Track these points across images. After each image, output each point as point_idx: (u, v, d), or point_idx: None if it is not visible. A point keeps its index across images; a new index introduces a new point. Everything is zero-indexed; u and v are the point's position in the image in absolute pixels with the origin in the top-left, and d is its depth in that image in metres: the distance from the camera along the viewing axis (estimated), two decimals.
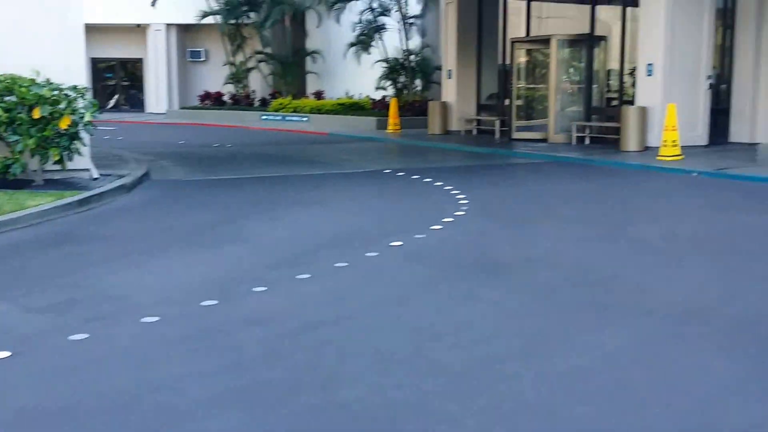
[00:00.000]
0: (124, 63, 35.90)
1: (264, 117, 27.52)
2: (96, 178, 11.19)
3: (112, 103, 35.08)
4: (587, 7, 18.99)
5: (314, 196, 10.93)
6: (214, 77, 32.46)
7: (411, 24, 26.31)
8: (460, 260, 7.00)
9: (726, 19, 17.44)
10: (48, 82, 10.33)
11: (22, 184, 10.36)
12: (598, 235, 8.20)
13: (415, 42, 26.62)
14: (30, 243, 7.87)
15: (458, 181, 12.02)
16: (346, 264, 6.72)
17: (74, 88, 10.61)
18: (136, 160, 14.08)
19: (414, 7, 26.50)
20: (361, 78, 27.71)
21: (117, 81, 36.35)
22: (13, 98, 10.03)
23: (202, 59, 34.46)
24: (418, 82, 26.66)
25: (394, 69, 26.64)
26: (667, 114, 14.59)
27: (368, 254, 7.12)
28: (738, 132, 17.32)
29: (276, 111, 27.63)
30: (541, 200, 10.68)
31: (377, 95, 26.74)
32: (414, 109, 24.44)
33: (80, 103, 10.60)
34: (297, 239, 8.01)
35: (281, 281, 6.21)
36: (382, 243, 7.55)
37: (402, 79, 26.70)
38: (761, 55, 16.99)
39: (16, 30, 10.73)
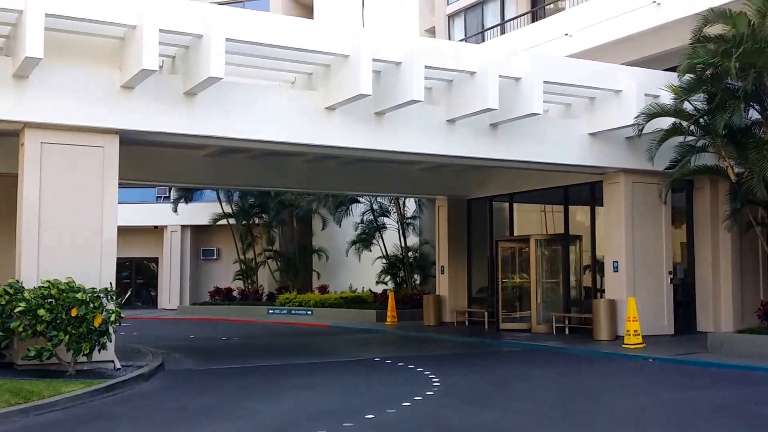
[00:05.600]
0: (140, 261, 38.18)
1: (271, 311, 29.30)
2: (119, 368, 12.77)
3: (123, 299, 36.70)
4: (562, 207, 21.20)
5: (307, 381, 12.54)
6: (225, 273, 34.58)
7: (408, 224, 28.63)
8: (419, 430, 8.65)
9: (685, 217, 19.49)
10: (82, 288, 12.13)
11: (57, 374, 11.97)
12: (545, 411, 9.81)
13: (412, 240, 28.82)
14: (66, 422, 9.34)
15: (437, 368, 13.61)
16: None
17: (105, 290, 12.45)
18: (152, 353, 15.66)
19: (412, 208, 28.98)
20: (364, 272, 29.64)
21: (131, 279, 38.39)
22: (53, 300, 11.84)
23: (214, 257, 36.77)
24: (416, 277, 28.55)
25: (393, 265, 28.65)
26: (628, 307, 16.28)
27: (345, 424, 8.77)
28: (704, 321, 18.86)
29: (282, 305, 29.38)
30: (507, 383, 12.23)
31: (378, 289, 28.58)
32: (412, 302, 26.13)
33: (109, 304, 12.40)
34: (287, 415, 9.60)
35: None
36: (358, 416, 9.27)
37: (401, 273, 28.63)
38: (719, 250, 18.86)
39: (64, 243, 12.77)
